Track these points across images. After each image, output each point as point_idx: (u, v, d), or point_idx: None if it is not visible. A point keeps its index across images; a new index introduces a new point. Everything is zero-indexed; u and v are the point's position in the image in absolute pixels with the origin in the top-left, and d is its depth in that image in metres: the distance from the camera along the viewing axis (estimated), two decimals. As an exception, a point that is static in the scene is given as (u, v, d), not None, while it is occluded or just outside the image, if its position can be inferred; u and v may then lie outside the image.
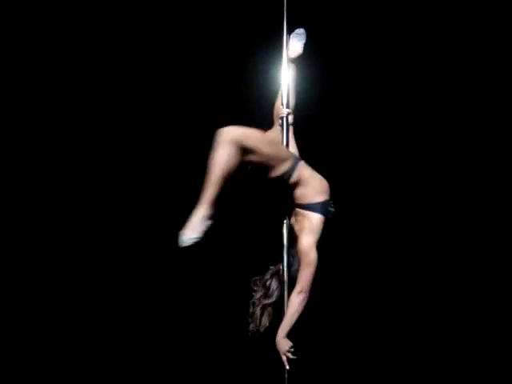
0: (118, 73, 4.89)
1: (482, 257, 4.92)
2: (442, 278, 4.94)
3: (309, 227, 3.32)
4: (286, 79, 3.51)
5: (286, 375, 3.35)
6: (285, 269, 3.41)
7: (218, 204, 3.13)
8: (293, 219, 3.41)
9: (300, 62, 3.69)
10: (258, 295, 3.42)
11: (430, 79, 4.89)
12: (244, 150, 3.05)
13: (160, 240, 4.80)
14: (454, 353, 4.87)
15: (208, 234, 3.94)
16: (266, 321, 3.39)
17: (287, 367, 3.32)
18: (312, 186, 3.34)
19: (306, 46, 3.67)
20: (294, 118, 3.55)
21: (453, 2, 4.81)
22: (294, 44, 3.61)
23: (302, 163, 3.34)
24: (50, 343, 4.87)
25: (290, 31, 3.59)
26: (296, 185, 3.32)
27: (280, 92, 3.54)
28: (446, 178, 4.94)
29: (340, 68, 4.84)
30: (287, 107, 3.49)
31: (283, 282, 3.39)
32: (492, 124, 4.91)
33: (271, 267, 3.46)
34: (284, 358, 3.31)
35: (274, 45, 3.62)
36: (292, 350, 3.30)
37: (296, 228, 3.38)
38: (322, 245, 3.38)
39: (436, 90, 4.90)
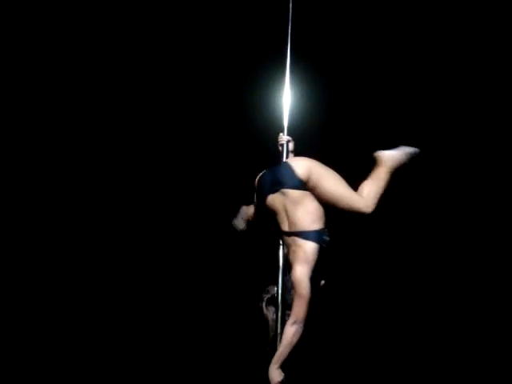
0: (117, 93, 4.94)
1: (483, 257, 4.90)
2: (440, 281, 4.94)
3: (302, 257, 3.23)
4: (287, 106, 3.54)
5: None
6: (279, 294, 3.37)
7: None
8: (287, 246, 3.34)
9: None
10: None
11: (432, 100, 4.88)
12: None
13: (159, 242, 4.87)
14: (454, 353, 4.85)
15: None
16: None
17: None
18: (307, 212, 3.29)
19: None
20: (295, 145, 3.54)
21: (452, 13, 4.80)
22: None
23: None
24: (50, 343, 4.91)
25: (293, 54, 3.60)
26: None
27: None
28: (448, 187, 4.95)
29: (343, 88, 4.85)
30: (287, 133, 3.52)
31: (277, 307, 3.36)
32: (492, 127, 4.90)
33: (264, 295, 3.42)
34: None
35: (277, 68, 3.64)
36: (284, 381, 3.26)
37: (290, 257, 3.29)
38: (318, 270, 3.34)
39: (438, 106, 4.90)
